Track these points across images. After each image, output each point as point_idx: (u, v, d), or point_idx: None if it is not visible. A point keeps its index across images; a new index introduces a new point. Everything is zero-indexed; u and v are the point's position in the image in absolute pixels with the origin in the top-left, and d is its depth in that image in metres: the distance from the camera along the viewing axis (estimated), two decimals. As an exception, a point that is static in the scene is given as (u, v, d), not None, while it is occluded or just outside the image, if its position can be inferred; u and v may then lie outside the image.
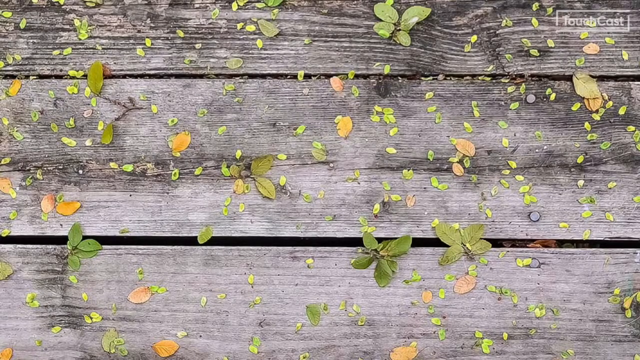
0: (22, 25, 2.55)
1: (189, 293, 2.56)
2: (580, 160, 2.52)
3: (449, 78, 2.54)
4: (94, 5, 2.55)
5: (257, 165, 2.52)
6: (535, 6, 2.51)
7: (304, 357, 2.56)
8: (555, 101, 2.53)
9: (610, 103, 2.52)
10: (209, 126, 2.54)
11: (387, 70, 2.53)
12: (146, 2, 2.55)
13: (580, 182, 2.53)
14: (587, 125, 2.52)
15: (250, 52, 2.55)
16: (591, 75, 2.52)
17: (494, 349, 2.56)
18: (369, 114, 2.53)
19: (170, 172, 2.55)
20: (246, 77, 2.56)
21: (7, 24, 2.56)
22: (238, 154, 2.53)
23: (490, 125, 2.53)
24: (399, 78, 2.54)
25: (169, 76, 2.56)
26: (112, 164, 2.55)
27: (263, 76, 2.56)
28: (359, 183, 2.55)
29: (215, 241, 2.56)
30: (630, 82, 2.53)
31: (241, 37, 2.54)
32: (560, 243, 2.59)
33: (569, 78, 2.53)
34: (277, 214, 2.54)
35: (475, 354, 2.57)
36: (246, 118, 2.54)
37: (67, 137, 2.55)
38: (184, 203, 2.55)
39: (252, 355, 2.57)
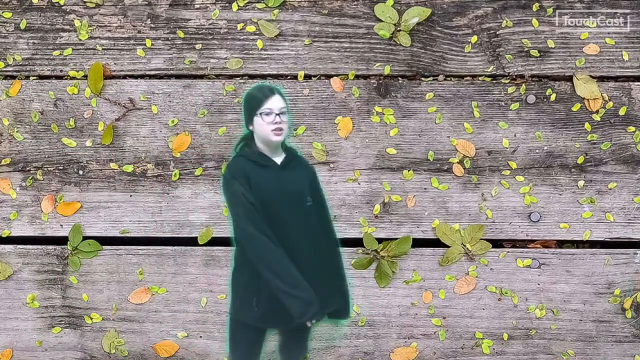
0: (22, 26, 2.55)
1: (189, 293, 2.56)
2: (580, 160, 2.53)
3: (449, 78, 2.54)
4: (94, 5, 2.55)
5: (258, 166, 2.53)
6: (535, 7, 2.51)
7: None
8: (556, 102, 2.53)
9: (611, 103, 2.52)
10: (209, 127, 2.55)
11: (387, 70, 2.53)
12: (146, 2, 2.55)
13: (581, 183, 2.53)
14: (587, 125, 2.52)
15: (251, 52, 2.55)
16: (591, 76, 2.52)
17: (494, 349, 2.56)
18: (369, 115, 2.54)
19: (170, 172, 2.55)
20: (246, 77, 2.56)
21: (8, 25, 2.56)
22: (238, 154, 2.53)
23: (491, 125, 2.54)
24: (399, 78, 2.54)
25: (169, 77, 2.56)
26: (113, 165, 2.55)
27: (263, 77, 2.56)
28: (359, 183, 2.55)
29: (215, 242, 2.56)
30: (631, 83, 2.53)
31: (241, 37, 2.54)
32: (561, 243, 2.59)
33: (569, 78, 2.53)
34: (277, 214, 2.54)
35: (476, 354, 2.57)
36: (246, 118, 2.54)
37: (68, 138, 2.55)
38: (184, 204, 2.55)
39: (253, 356, 2.57)
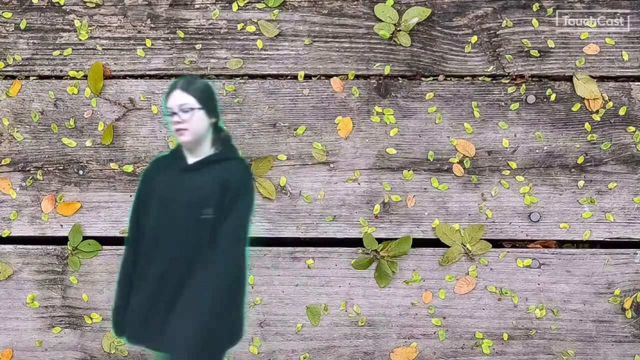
0: (22, 26, 2.55)
1: (189, 293, 2.57)
2: (580, 160, 2.53)
3: (449, 78, 2.54)
4: (94, 5, 2.55)
5: (258, 166, 2.52)
6: (535, 7, 2.52)
7: (304, 358, 2.56)
8: (556, 102, 2.53)
9: (611, 104, 2.52)
10: (209, 127, 2.55)
11: (387, 70, 2.53)
12: (146, 2, 2.55)
13: (581, 183, 2.53)
14: (587, 125, 2.52)
15: (251, 52, 2.55)
16: (591, 76, 2.52)
17: (494, 349, 2.57)
18: (369, 115, 2.54)
19: (170, 172, 2.55)
20: (246, 77, 2.56)
21: (8, 25, 2.56)
22: (238, 154, 2.54)
23: (491, 125, 2.54)
24: (399, 78, 2.54)
25: (170, 77, 2.56)
26: (113, 165, 2.55)
27: (263, 77, 2.56)
28: (359, 183, 2.55)
29: (215, 242, 2.56)
30: (631, 83, 2.53)
31: (241, 37, 2.55)
32: (561, 243, 2.59)
33: (569, 78, 2.53)
34: (277, 214, 2.54)
35: (476, 354, 2.57)
36: (246, 118, 2.54)
37: (68, 138, 2.55)
38: (184, 203, 2.55)
39: (253, 356, 2.57)
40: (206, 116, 1.95)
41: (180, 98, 1.94)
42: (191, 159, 1.98)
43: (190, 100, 1.93)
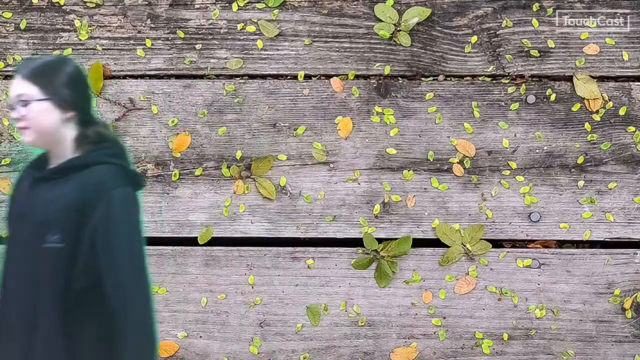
0: (22, 26, 2.55)
1: (189, 293, 2.56)
2: (580, 160, 2.52)
3: (449, 78, 2.54)
4: (94, 5, 2.55)
5: (258, 166, 2.52)
6: (535, 7, 2.51)
7: (304, 358, 2.56)
8: (556, 102, 2.53)
9: (611, 104, 2.52)
10: (209, 127, 2.54)
11: (387, 70, 2.53)
12: (146, 2, 2.55)
13: (581, 183, 2.53)
14: (587, 125, 2.52)
15: (251, 52, 2.54)
16: (591, 76, 2.52)
17: (494, 349, 2.56)
18: (369, 115, 2.53)
19: (170, 172, 2.55)
20: (246, 77, 2.56)
21: (8, 25, 2.56)
22: (238, 154, 2.53)
23: (491, 125, 2.53)
24: (399, 79, 2.54)
25: (169, 77, 2.56)
26: (113, 165, 2.55)
27: (263, 77, 2.56)
28: (359, 183, 2.55)
29: (215, 242, 2.56)
30: (631, 83, 2.53)
31: (241, 37, 2.54)
32: (561, 243, 2.59)
33: (569, 78, 2.53)
34: (277, 214, 2.54)
35: (476, 354, 2.57)
36: (246, 119, 2.54)
37: (68, 138, 2.55)
38: (184, 203, 2.55)
39: (252, 356, 2.57)
40: (56, 109, 1.47)
41: (19, 87, 1.48)
42: (56, 162, 1.52)
43: (31, 90, 1.47)
